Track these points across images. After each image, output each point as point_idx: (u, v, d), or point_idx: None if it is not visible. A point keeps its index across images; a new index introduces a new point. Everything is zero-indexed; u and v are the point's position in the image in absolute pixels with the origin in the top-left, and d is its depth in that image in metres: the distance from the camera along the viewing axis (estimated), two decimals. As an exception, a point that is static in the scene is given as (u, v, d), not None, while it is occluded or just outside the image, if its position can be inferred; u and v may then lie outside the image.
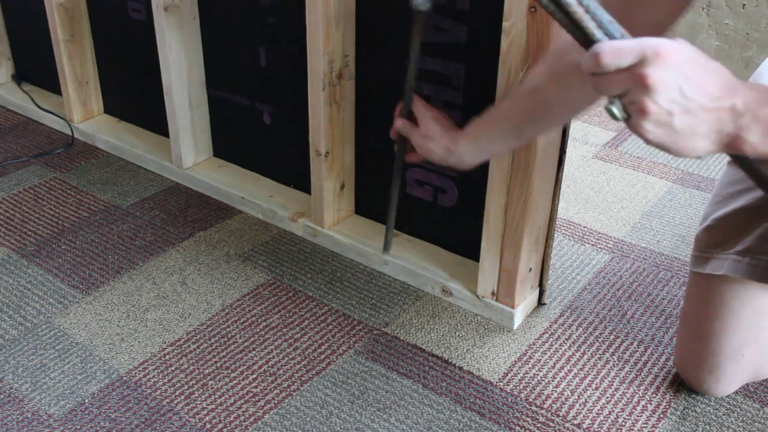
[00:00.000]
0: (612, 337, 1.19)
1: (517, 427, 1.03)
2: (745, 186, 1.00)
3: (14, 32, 1.96)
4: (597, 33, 0.62)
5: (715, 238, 1.01)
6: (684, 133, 0.61)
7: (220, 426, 1.02)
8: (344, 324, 1.21)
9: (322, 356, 1.14)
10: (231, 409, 1.05)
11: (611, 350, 1.16)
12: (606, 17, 0.62)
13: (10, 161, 1.69)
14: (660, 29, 0.82)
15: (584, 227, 1.48)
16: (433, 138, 1.05)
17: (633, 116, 0.61)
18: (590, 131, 1.87)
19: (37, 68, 1.95)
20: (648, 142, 0.62)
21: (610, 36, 0.62)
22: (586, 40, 0.63)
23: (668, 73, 0.59)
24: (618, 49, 0.59)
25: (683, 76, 0.59)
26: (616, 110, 0.62)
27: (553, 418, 1.04)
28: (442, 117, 1.07)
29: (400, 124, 1.09)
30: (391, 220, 1.19)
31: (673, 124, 0.60)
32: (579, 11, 0.62)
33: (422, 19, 1.01)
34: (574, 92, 0.90)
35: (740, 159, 0.70)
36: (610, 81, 0.61)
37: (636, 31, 0.76)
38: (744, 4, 1.97)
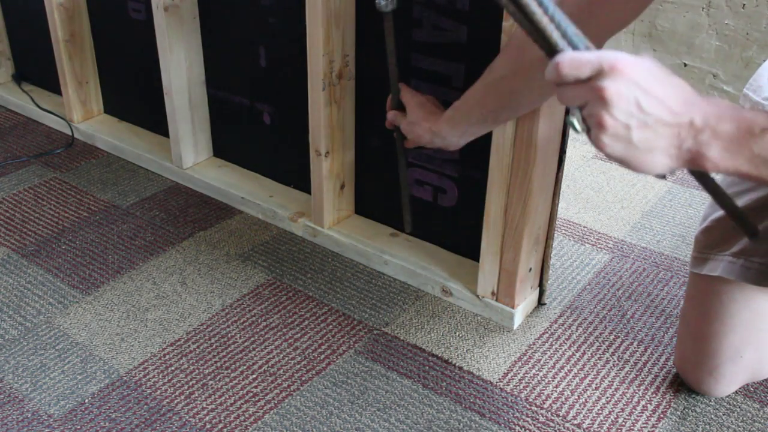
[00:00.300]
0: (612, 337, 1.19)
1: (517, 427, 1.03)
2: (744, 187, 1.00)
3: (14, 32, 1.96)
4: (560, 43, 0.62)
5: (713, 239, 1.01)
6: (642, 147, 0.61)
7: (220, 426, 1.02)
8: (344, 324, 1.21)
9: (322, 356, 1.14)
10: (231, 409, 1.05)
11: (611, 350, 1.16)
12: (572, 29, 0.62)
13: (10, 161, 1.69)
14: (621, 26, 0.84)
15: (584, 227, 1.48)
16: (417, 123, 1.09)
17: (592, 129, 0.61)
18: (590, 131, 1.87)
19: (37, 68, 1.95)
20: (607, 155, 0.62)
21: (574, 47, 0.62)
22: (550, 50, 0.63)
23: (625, 86, 0.59)
24: (577, 60, 0.60)
25: (641, 90, 0.59)
26: (576, 122, 0.62)
27: (553, 418, 1.04)
28: (428, 102, 1.11)
29: (391, 115, 1.15)
30: (406, 200, 1.25)
31: (630, 138, 0.60)
32: (544, 20, 0.62)
33: (390, 18, 1.06)
34: (539, 82, 0.91)
35: (701, 177, 0.69)
36: (570, 92, 0.61)
37: (597, 29, 0.78)
38: (744, 4, 1.97)
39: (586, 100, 0.60)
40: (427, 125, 1.08)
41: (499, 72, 0.96)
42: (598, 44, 0.86)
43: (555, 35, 0.62)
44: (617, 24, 0.84)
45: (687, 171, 0.67)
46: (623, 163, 0.63)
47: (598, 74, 0.59)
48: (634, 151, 0.61)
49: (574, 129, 0.62)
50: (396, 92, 1.13)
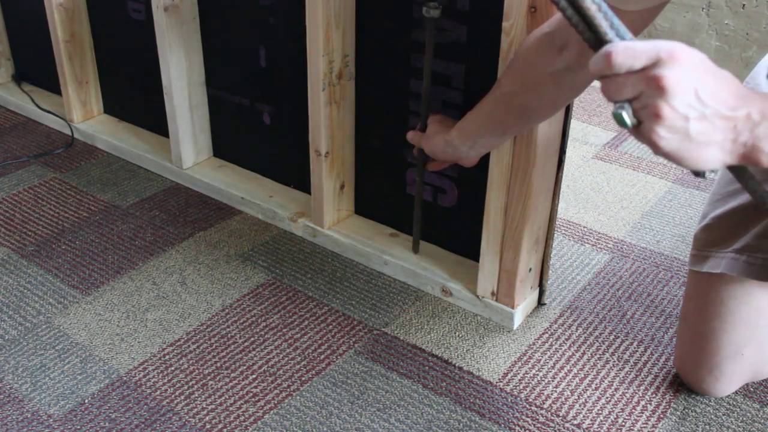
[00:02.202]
0: (612, 337, 1.19)
1: (517, 427, 1.03)
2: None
3: (14, 32, 1.96)
4: (609, 33, 0.59)
5: (713, 236, 1.01)
6: (698, 140, 0.59)
7: (220, 426, 1.02)
8: (344, 324, 1.21)
9: (322, 356, 1.14)
10: (231, 409, 1.05)
11: (611, 350, 1.16)
12: (617, 19, 0.60)
13: (10, 161, 1.69)
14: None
15: (584, 227, 1.48)
16: (434, 135, 1.12)
17: (645, 121, 0.59)
18: (590, 131, 1.87)
19: (37, 68, 1.95)
20: (658, 149, 0.60)
21: (621, 37, 0.60)
22: (596, 40, 0.60)
23: (684, 76, 0.57)
24: (632, 49, 0.57)
25: (699, 81, 0.57)
26: (626, 116, 0.59)
27: (553, 418, 1.04)
28: (448, 119, 1.15)
29: (410, 134, 1.18)
30: (418, 222, 1.28)
31: (688, 130, 0.58)
32: (592, 8, 0.59)
33: (432, 26, 1.09)
34: (550, 96, 0.93)
35: (738, 172, 0.68)
36: (621, 84, 0.58)
37: None
38: (744, 4, 1.97)
39: (641, 91, 0.58)
40: (441, 136, 1.11)
41: (508, 87, 0.96)
42: None
43: (604, 24, 0.59)
44: None
45: (733, 169, 0.65)
46: (675, 158, 0.60)
47: (655, 63, 0.57)
48: (689, 144, 0.59)
49: (623, 123, 0.59)
50: (425, 115, 1.16)
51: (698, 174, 0.62)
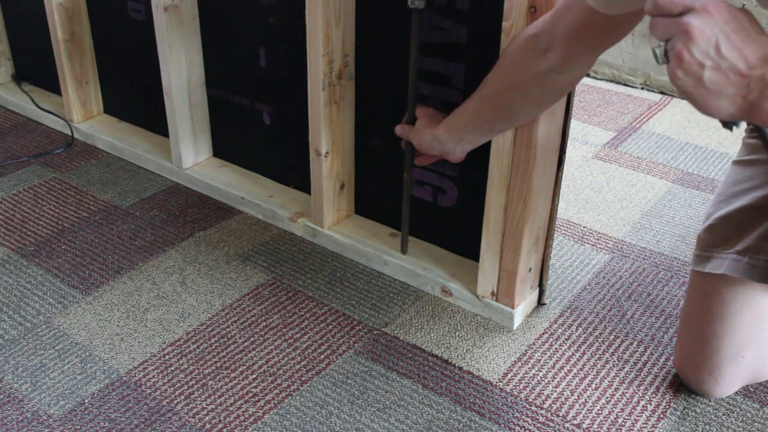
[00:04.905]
0: (612, 337, 1.19)
1: (517, 427, 1.03)
2: (748, 185, 1.00)
3: (14, 32, 1.96)
4: None
5: (716, 237, 1.01)
6: (711, 89, 0.64)
7: (220, 426, 1.02)
8: (344, 324, 1.21)
9: (322, 356, 1.14)
10: (231, 409, 1.05)
11: (611, 350, 1.16)
12: None
13: (10, 161, 1.69)
14: (610, 45, 0.90)
15: (584, 227, 1.48)
16: (422, 129, 1.14)
17: (670, 61, 0.65)
18: (590, 131, 1.87)
19: (37, 68, 1.95)
20: (678, 88, 0.65)
21: None
22: None
23: (709, 27, 0.62)
24: None
25: (723, 34, 0.62)
26: (658, 53, 0.66)
27: (553, 418, 1.04)
28: (438, 114, 1.15)
29: (399, 128, 1.19)
30: (406, 222, 1.29)
31: (702, 76, 0.63)
32: None
33: (418, 18, 1.09)
34: (534, 97, 0.97)
35: (761, 132, 0.72)
36: (660, 25, 0.65)
37: (594, 46, 0.87)
38: (744, 4, 1.97)
39: (672, 34, 0.64)
40: (429, 130, 1.13)
41: (494, 86, 1.00)
42: (593, 57, 0.92)
43: None
44: (607, 44, 0.89)
45: (753, 125, 0.70)
46: (691, 99, 0.65)
47: (688, 11, 0.63)
48: (703, 90, 0.64)
49: (656, 59, 0.67)
50: (412, 108, 1.17)
51: (726, 125, 0.67)
